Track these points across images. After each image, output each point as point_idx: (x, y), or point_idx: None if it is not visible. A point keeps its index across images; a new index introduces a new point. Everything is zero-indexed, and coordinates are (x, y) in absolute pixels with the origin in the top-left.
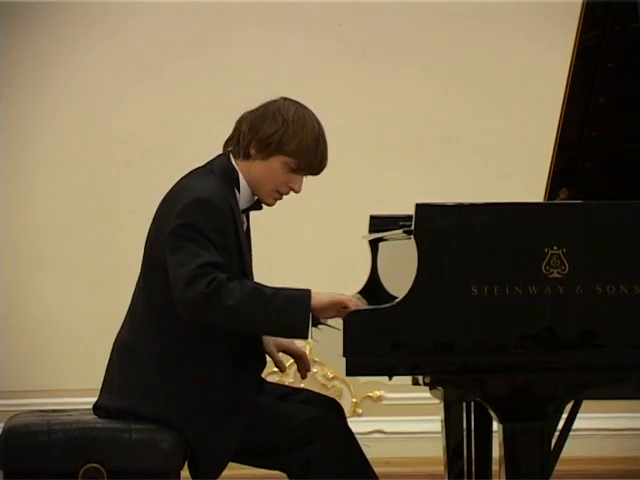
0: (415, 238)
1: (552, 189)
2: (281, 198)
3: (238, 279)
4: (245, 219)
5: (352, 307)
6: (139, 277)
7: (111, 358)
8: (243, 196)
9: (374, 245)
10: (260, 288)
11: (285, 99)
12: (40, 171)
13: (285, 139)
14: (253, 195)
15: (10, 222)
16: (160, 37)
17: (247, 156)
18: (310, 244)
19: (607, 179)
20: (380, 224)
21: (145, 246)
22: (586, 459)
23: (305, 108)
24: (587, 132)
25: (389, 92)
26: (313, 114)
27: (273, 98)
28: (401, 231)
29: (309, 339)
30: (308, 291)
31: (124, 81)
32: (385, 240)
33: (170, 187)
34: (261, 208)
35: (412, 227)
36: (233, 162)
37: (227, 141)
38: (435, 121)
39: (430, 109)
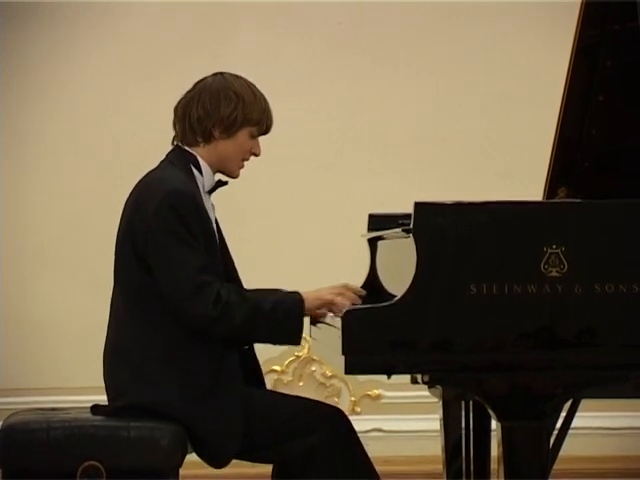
0: (414, 237)
1: (551, 188)
2: (243, 167)
3: (236, 291)
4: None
5: (340, 303)
6: (114, 277)
7: (104, 366)
8: (206, 178)
9: (373, 244)
10: (259, 304)
11: (214, 75)
12: (40, 171)
13: (247, 112)
14: (214, 175)
15: (11, 222)
16: (160, 37)
17: (209, 139)
18: (310, 243)
19: (606, 178)
20: (379, 222)
21: (117, 244)
22: (585, 458)
23: (239, 76)
24: (586, 131)
25: (389, 91)
26: (244, 77)
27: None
28: (400, 230)
29: (308, 337)
30: (301, 300)
31: (124, 81)
32: (384, 239)
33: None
34: (227, 184)
35: (411, 226)
36: (188, 149)
37: (182, 136)
38: (435, 121)
39: (430, 108)
